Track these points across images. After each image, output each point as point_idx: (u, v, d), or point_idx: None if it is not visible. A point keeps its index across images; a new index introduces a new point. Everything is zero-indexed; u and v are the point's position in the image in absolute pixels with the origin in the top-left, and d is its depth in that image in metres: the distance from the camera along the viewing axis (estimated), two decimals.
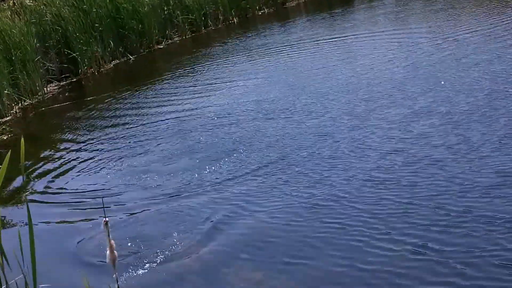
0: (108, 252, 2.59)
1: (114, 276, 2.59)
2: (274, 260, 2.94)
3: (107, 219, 2.58)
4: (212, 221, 3.38)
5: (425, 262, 2.74)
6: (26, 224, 3.55)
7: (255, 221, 3.41)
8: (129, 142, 5.45)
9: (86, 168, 5.00)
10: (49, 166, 5.36)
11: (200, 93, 6.70)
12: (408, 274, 2.67)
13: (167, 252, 3.05)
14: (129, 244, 3.17)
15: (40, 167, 5.31)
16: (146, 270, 2.89)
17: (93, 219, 3.74)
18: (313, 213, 3.38)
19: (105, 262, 2.64)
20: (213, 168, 4.24)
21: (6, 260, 1.95)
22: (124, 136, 5.72)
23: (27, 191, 4.71)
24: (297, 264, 2.89)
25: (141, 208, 3.85)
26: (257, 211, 3.53)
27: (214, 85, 6.93)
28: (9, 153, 1.93)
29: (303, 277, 2.80)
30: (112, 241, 2.59)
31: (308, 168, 3.98)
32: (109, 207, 3.65)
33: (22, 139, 2.06)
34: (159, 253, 3.02)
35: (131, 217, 3.68)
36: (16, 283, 2.24)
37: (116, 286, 2.58)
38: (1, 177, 1.92)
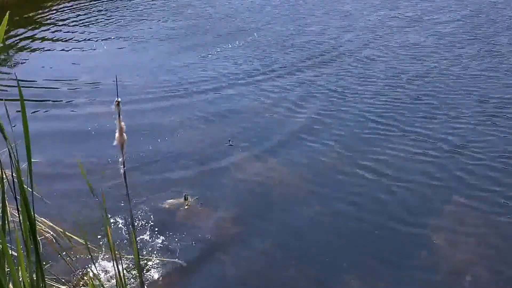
0: (117, 134, 2.33)
1: (121, 159, 2.38)
2: None
3: (119, 99, 2.29)
4: None
5: None
6: None
7: None
8: None
9: None
10: None
11: None
12: None
13: None
14: None
15: None
16: None
17: None
18: None
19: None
20: None
21: None
22: None
23: None
24: None
25: None
26: None
27: None
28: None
29: None
30: (123, 123, 2.33)
31: None
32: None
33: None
34: None
35: None
36: None
37: (123, 169, 2.39)
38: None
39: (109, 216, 4.46)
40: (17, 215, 2.14)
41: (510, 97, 6.43)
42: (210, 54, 8.76)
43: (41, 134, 5.95)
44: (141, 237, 4.11)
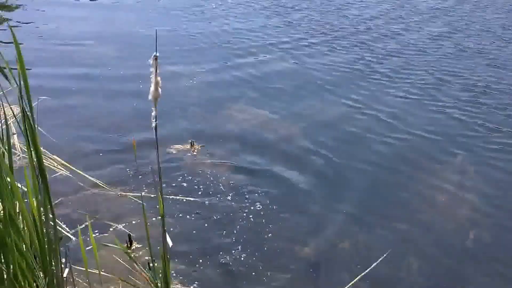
0: (152, 88, 2.34)
1: (153, 113, 2.40)
2: None
3: (157, 54, 2.28)
4: None
5: None
6: None
7: None
8: None
9: None
10: None
11: None
12: None
13: None
14: None
15: None
16: None
17: None
18: None
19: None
20: None
21: None
22: None
23: None
24: None
25: None
26: None
27: None
28: None
29: None
30: (159, 78, 2.33)
31: None
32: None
33: None
34: None
35: None
36: None
37: (155, 122, 2.42)
38: None
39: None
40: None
41: None
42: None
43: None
44: (149, 181, 4.17)
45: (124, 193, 3.93)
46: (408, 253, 3.56)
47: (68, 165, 3.94)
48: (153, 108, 2.40)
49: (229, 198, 4.06)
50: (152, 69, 2.30)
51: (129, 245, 3.45)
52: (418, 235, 3.77)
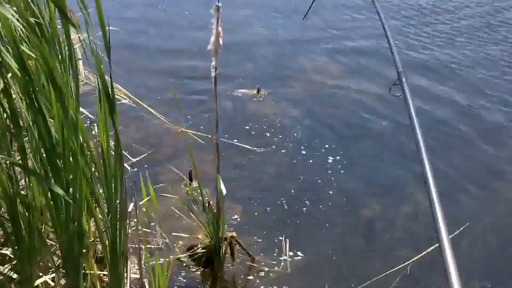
0: (213, 38, 2.34)
1: (213, 63, 2.41)
2: None
3: (220, 4, 2.26)
4: None
5: None
6: None
7: None
8: None
9: None
10: None
11: None
12: None
13: None
14: None
15: None
16: None
17: None
18: None
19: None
20: None
21: None
22: None
23: None
24: None
25: None
26: None
27: None
28: None
29: None
30: (220, 28, 2.33)
31: None
32: None
33: None
34: None
35: None
36: None
37: (214, 72, 2.44)
38: None
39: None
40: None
41: None
42: None
43: None
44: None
45: (185, 129, 4.00)
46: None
47: (133, 96, 4.08)
48: (213, 58, 2.41)
49: (289, 149, 4.06)
50: (213, 20, 2.29)
51: (190, 182, 3.56)
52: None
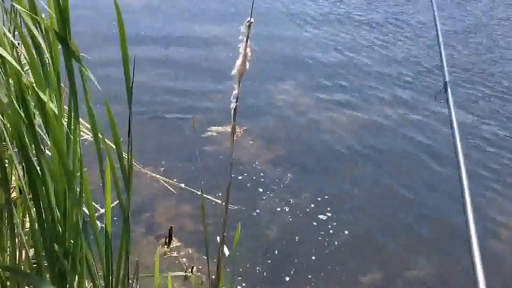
0: (239, 61, 1.92)
1: (235, 91, 1.98)
2: None
3: (252, 20, 1.86)
4: None
5: None
6: None
7: None
8: None
9: None
10: None
11: None
12: None
13: None
14: None
15: None
16: None
17: None
18: None
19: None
20: None
21: None
22: None
23: None
24: None
25: None
26: None
27: None
28: None
29: None
30: (248, 49, 1.91)
31: None
32: None
33: None
34: None
35: None
36: None
37: (235, 103, 2.00)
38: None
39: None
40: None
41: None
42: None
43: None
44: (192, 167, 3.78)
45: (156, 175, 3.51)
46: None
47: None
48: (235, 86, 1.99)
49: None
50: (243, 37, 1.88)
51: (167, 242, 3.03)
52: None
